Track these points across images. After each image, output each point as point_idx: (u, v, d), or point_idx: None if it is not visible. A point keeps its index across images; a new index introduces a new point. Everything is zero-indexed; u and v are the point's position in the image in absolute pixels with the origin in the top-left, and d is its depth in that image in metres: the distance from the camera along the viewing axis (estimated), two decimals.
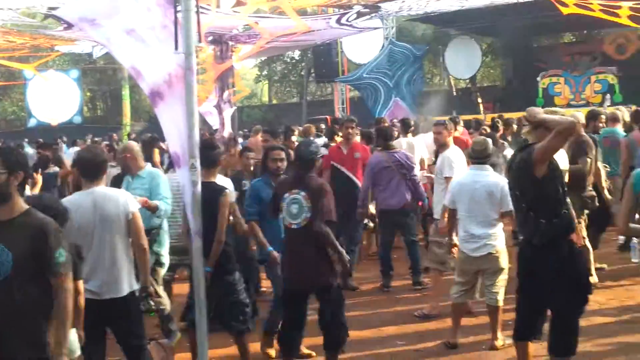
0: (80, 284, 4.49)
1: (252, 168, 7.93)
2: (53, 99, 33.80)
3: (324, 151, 6.25)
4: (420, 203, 8.50)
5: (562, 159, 5.88)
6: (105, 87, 43.70)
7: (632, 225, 4.60)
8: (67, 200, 4.96)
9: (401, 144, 9.62)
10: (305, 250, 5.44)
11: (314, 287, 5.56)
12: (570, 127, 4.60)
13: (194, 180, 4.84)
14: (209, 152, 5.72)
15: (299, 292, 5.58)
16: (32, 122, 35.00)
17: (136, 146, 6.86)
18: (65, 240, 3.69)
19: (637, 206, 4.63)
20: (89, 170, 5.04)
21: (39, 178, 6.64)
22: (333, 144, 9.80)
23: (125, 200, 5.03)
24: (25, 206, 3.64)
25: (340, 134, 9.62)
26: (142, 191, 6.23)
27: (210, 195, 5.44)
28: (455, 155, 7.49)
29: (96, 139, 20.19)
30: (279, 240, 5.97)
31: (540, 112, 4.88)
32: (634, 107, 13.17)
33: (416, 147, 9.79)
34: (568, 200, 4.87)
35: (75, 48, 20.29)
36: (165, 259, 6.62)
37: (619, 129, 9.74)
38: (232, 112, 15.79)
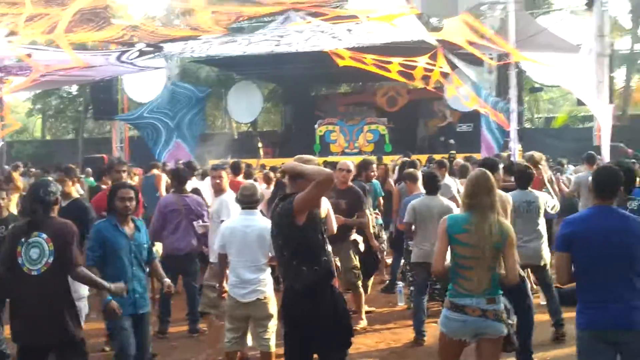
0: None
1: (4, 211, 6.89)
2: None
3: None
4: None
5: (322, 205, 6.08)
6: None
7: (447, 263, 4.81)
8: None
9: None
10: (45, 299, 4.84)
11: (56, 341, 4.90)
12: (328, 178, 4.72)
13: None
14: None
15: (37, 348, 4.90)
16: None
17: None
18: None
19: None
20: None
21: None
22: (104, 187, 9.32)
23: None
24: None
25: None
26: None
27: None
28: (232, 200, 7.49)
29: None
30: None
31: (297, 164, 4.95)
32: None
33: (202, 191, 9.66)
34: (329, 247, 4.98)
35: None
36: None
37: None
38: (0, 147, 14.83)
